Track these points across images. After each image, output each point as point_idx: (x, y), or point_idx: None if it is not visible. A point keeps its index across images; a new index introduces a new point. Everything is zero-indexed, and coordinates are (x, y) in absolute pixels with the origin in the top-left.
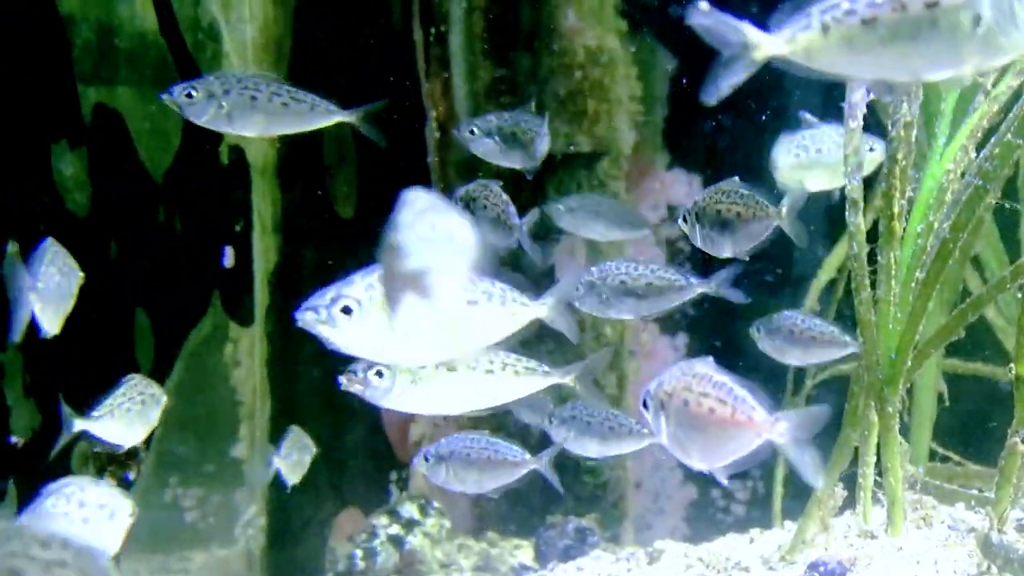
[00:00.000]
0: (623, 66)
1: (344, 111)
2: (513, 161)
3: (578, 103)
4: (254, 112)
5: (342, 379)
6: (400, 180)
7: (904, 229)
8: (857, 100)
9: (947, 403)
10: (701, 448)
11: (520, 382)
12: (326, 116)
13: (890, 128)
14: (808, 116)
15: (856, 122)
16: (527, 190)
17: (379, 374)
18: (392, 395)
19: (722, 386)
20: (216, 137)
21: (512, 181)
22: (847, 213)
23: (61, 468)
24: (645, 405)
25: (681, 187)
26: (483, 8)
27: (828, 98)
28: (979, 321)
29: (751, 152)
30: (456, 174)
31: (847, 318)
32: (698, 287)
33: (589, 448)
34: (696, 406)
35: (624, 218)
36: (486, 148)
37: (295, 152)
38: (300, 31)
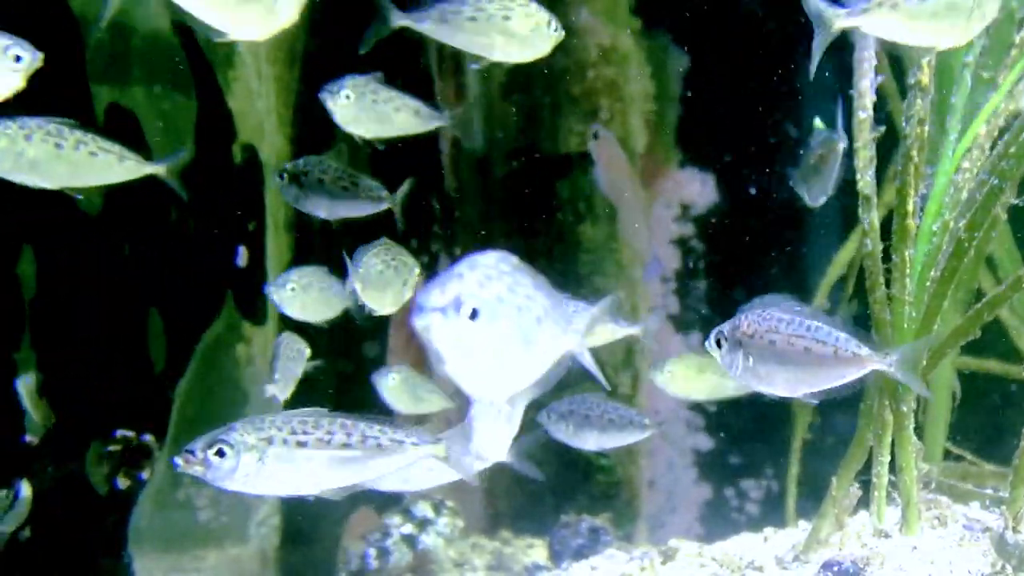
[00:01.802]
0: (636, 64)
1: (155, 163)
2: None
3: (591, 101)
4: (58, 161)
5: (178, 460)
6: (412, 178)
7: (918, 227)
8: (865, 88)
9: (957, 402)
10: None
11: (384, 457)
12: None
13: (904, 125)
14: (819, 123)
15: (866, 113)
16: (534, 191)
17: (220, 453)
18: (237, 476)
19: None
20: (229, 136)
21: (518, 182)
22: (860, 210)
23: (74, 466)
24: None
25: (694, 185)
26: None
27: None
28: (991, 320)
29: (763, 150)
30: (469, 172)
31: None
32: (627, 330)
33: (588, 441)
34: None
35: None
36: (290, 195)
37: (308, 151)
38: (313, 31)
